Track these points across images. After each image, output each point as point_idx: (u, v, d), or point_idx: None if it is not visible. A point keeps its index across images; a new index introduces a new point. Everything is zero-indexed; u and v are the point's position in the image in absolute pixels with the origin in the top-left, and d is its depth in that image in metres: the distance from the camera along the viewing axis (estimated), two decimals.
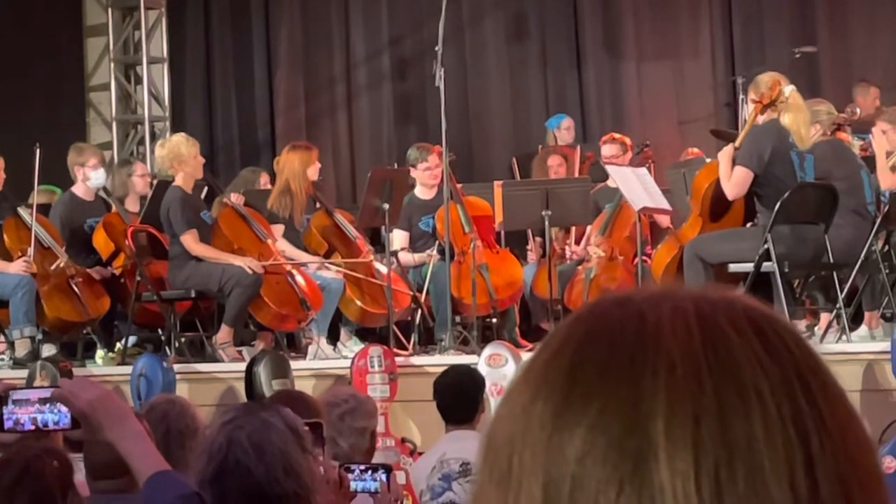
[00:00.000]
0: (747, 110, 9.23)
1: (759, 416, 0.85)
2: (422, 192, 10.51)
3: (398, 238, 10.38)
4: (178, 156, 9.93)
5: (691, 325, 0.87)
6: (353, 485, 4.05)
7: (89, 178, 10.72)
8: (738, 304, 0.89)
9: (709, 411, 0.84)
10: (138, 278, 10.22)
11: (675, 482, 0.83)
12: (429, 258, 10.28)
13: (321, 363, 9.84)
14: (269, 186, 11.28)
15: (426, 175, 10.45)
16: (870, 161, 9.57)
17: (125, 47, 14.69)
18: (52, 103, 14.08)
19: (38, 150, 10.47)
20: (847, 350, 8.52)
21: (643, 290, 0.90)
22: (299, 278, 10.13)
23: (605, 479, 0.84)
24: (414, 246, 10.48)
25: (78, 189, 10.81)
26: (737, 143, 8.83)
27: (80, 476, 4.22)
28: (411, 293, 10.22)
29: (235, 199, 10.67)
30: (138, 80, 14.69)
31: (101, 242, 10.64)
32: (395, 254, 10.30)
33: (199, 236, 9.95)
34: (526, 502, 0.85)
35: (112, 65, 14.52)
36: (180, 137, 10.22)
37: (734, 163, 8.72)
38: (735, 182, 8.73)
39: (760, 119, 8.86)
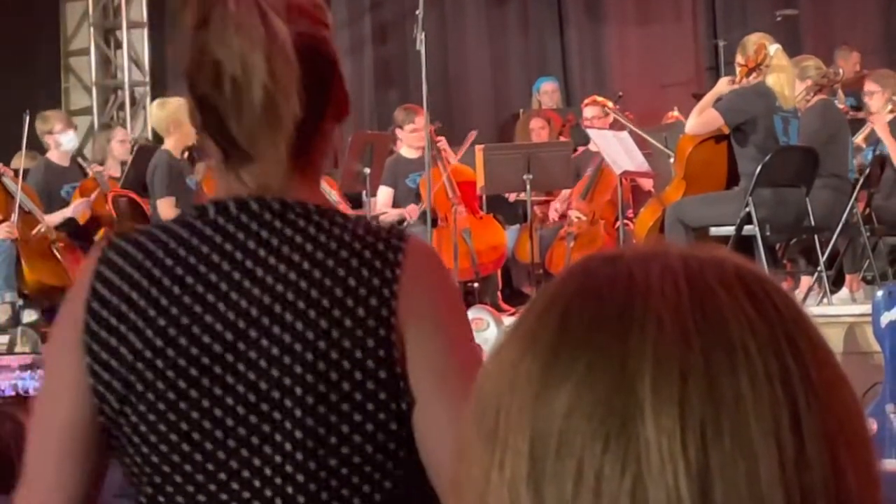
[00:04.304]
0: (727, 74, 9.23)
1: (746, 374, 0.85)
2: (407, 152, 10.52)
3: (383, 194, 10.37)
4: (177, 120, 9.93)
5: (680, 283, 0.87)
6: None
7: (60, 143, 10.71)
8: (728, 263, 0.89)
9: (696, 369, 0.84)
10: None
11: (661, 439, 0.83)
12: (408, 215, 10.27)
13: None
14: None
15: (413, 136, 10.44)
16: (852, 124, 9.59)
17: (104, 12, 14.61)
18: (31, 69, 14.01)
19: (27, 117, 10.47)
20: (828, 313, 8.55)
21: (633, 248, 0.90)
22: None
23: (591, 435, 0.84)
24: (401, 205, 10.49)
25: (52, 156, 10.79)
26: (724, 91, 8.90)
27: None
28: None
29: None
30: (118, 45, 14.62)
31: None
32: (375, 218, 10.30)
33: (180, 203, 9.94)
34: (512, 457, 0.85)
35: (91, 29, 14.45)
36: (182, 102, 10.24)
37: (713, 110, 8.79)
38: (703, 121, 8.77)
39: (745, 83, 8.87)
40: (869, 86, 9.65)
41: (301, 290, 1.85)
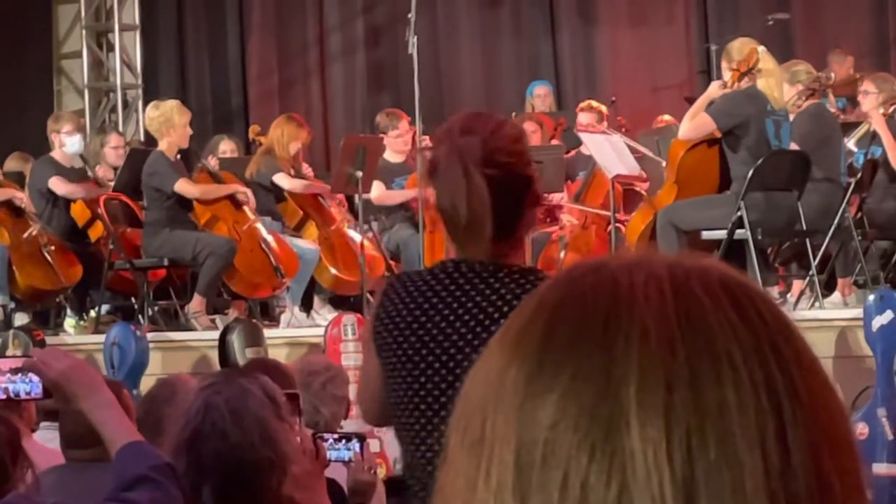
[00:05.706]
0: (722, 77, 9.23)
1: (731, 384, 0.84)
2: (392, 157, 10.51)
3: (377, 187, 10.34)
4: (169, 121, 9.96)
5: (665, 292, 0.86)
6: (326, 454, 4.05)
7: (65, 144, 10.71)
8: (713, 271, 0.89)
9: (681, 378, 0.84)
10: (111, 247, 10.20)
11: (647, 449, 0.83)
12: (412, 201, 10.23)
13: (295, 331, 9.84)
14: (228, 155, 11.41)
15: (398, 142, 10.46)
16: (844, 127, 9.59)
17: (97, 14, 14.61)
18: (23, 71, 13.99)
19: None
20: (820, 317, 8.55)
21: (619, 256, 0.90)
22: (273, 244, 10.11)
23: (576, 445, 0.84)
24: (385, 209, 10.49)
25: (56, 155, 10.78)
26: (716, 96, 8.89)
27: (55, 444, 4.22)
28: (385, 261, 10.22)
29: (211, 161, 10.69)
30: (110, 48, 14.61)
31: (78, 210, 10.62)
32: (368, 222, 10.30)
33: (176, 202, 9.94)
34: (497, 468, 0.85)
35: (84, 32, 14.44)
36: (174, 104, 10.28)
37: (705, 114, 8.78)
38: (695, 125, 8.77)
39: (736, 87, 8.87)
40: (867, 85, 9.65)
41: (487, 319, 3.08)
